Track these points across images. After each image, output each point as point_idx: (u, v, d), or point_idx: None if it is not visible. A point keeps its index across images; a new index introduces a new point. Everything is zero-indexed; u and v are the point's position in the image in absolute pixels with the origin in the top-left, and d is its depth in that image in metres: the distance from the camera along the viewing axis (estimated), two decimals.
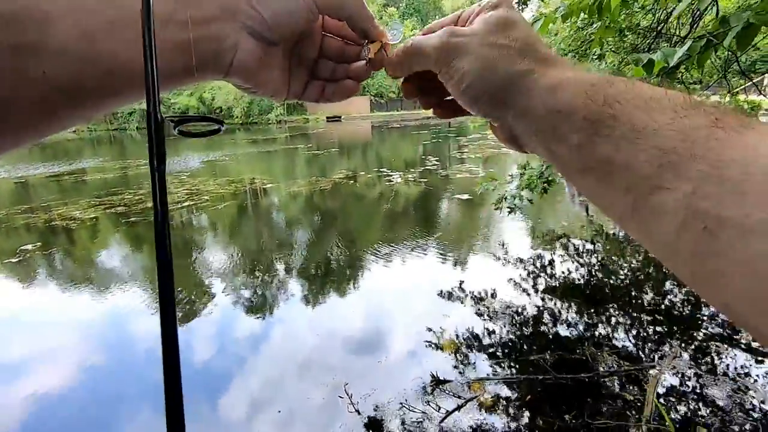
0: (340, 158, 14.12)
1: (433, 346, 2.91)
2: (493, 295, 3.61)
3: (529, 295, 3.62)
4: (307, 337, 3.23)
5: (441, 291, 3.74)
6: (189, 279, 4.44)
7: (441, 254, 4.74)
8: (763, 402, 2.20)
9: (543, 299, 3.54)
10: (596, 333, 2.98)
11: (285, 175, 11.34)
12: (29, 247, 5.50)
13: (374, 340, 3.10)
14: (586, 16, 1.54)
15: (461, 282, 3.91)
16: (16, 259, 5.10)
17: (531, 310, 3.35)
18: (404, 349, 2.95)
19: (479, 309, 3.40)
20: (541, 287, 3.77)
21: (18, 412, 2.53)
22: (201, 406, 2.53)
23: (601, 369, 2.54)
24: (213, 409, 2.49)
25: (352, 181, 9.22)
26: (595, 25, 1.82)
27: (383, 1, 49.16)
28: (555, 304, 3.46)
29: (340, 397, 2.41)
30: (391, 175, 9.52)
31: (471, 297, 3.61)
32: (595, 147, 0.26)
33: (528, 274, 4.05)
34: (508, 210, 3.53)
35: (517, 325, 3.15)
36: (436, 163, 11.17)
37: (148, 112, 0.27)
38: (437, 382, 2.50)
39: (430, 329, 3.11)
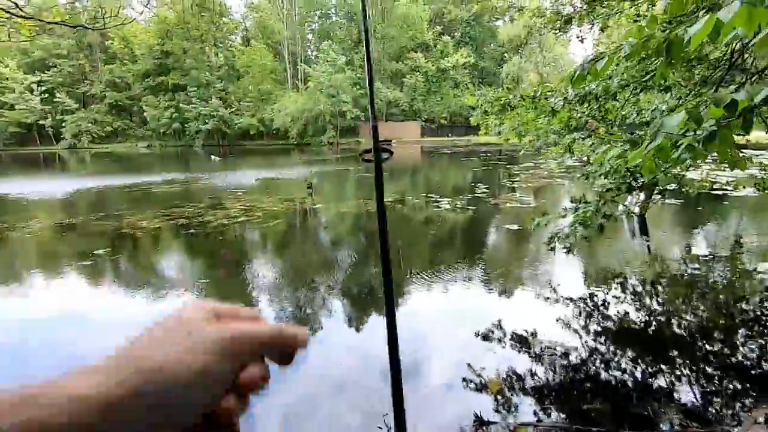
0: (389, 182, 14.30)
1: (474, 382, 2.80)
2: (540, 334, 3.43)
3: (579, 336, 3.41)
4: (345, 358, 3.22)
5: (485, 324, 3.61)
6: (236, 291, 4.61)
7: (487, 285, 4.60)
8: None
9: (596, 342, 3.31)
10: (656, 384, 2.73)
11: (334, 196, 11.63)
12: (101, 251, 5.98)
13: (414, 369, 3.03)
14: (652, 52, 1.49)
15: (507, 316, 3.76)
16: (89, 263, 5.56)
17: (582, 353, 3.14)
18: (445, 381, 2.86)
19: (525, 347, 3.24)
20: (593, 329, 3.54)
21: None
22: None
23: (665, 427, 2.31)
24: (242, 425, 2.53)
25: (399, 205, 9.27)
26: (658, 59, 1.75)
27: (438, 29, 50.13)
28: (609, 348, 3.23)
29: (379, 427, 2.36)
30: (439, 201, 9.48)
31: (516, 333, 3.45)
32: None
33: (579, 314, 3.82)
34: (565, 250, 3.37)
35: (566, 368, 2.96)
36: (486, 190, 10.99)
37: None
38: (480, 423, 2.38)
39: (471, 364, 2.99)
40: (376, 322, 3.82)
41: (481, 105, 3.79)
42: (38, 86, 43.11)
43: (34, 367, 3.20)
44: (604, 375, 2.87)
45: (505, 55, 49.89)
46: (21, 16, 2.70)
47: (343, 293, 4.49)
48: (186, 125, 44.41)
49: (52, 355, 3.37)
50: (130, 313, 4.18)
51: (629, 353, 3.13)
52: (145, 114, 45.10)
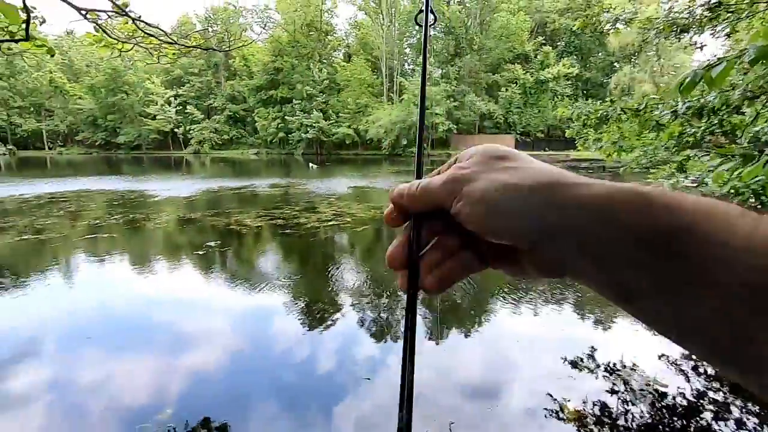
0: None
1: (554, 411, 2.63)
2: (639, 369, 3.10)
3: (687, 377, 3.01)
4: (422, 369, 3.24)
5: (575, 352, 3.37)
6: (324, 290, 4.89)
7: (579, 311, 4.28)
8: None
9: (707, 386, 2.90)
10: None
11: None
12: (212, 244, 6.78)
13: (490, 388, 2.95)
14: None
15: (601, 345, 3.47)
16: (202, 252, 6.34)
17: (687, 397, 2.77)
18: (522, 407, 2.73)
19: (616, 381, 2.95)
20: (704, 370, 3.09)
21: (178, 379, 3.11)
22: (308, 415, 2.73)
23: None
24: (319, 422, 2.67)
25: None
26: None
27: (540, 39, 48.08)
28: (724, 396, 2.80)
29: None
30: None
31: (608, 365, 3.17)
32: (673, 263, 0.23)
33: (689, 353, 3.36)
34: None
35: (665, 412, 2.63)
36: None
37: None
38: None
39: (555, 394, 2.82)
40: (457, 338, 3.78)
41: (579, 117, 3.57)
42: (175, 99, 50.42)
43: (153, 340, 3.75)
44: (714, 427, 2.50)
45: (615, 64, 45.99)
46: (168, 42, 3.28)
47: (424, 305, 4.51)
48: (290, 135, 48.32)
49: (165, 331, 3.91)
50: (229, 302, 4.67)
51: (752, 407, 2.69)
52: (256, 124, 50.08)
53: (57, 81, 47.01)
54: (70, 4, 2.73)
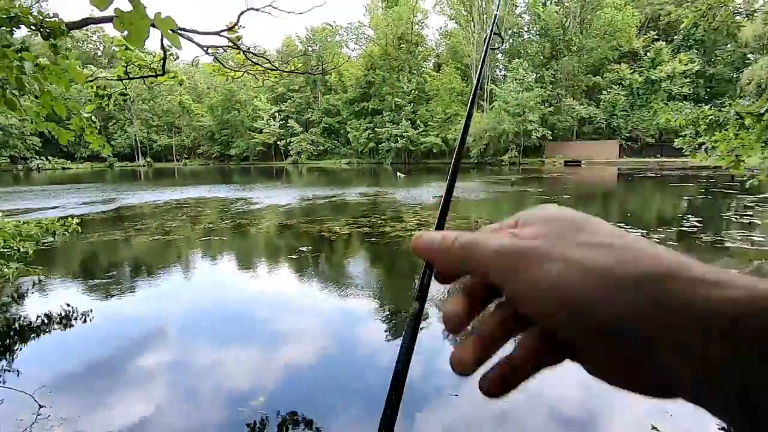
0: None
1: None
2: None
3: None
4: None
5: None
6: (406, 298, 5.00)
7: None
8: None
9: None
10: None
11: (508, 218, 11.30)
12: (304, 249, 7.32)
13: (584, 418, 2.77)
14: None
15: None
16: (295, 257, 6.88)
17: None
18: None
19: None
20: None
21: (273, 373, 3.43)
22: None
23: None
24: (403, 426, 2.75)
25: None
26: None
27: (653, 35, 43.47)
28: None
29: None
30: (630, 233, 8.22)
31: None
32: None
33: None
34: None
35: None
36: (698, 224, 8.99)
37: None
38: None
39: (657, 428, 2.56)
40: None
41: (690, 123, 3.21)
42: (278, 114, 55.38)
43: (251, 334, 4.19)
44: None
45: (749, 56, 39.63)
46: (269, 69, 3.74)
47: None
48: (379, 145, 50.03)
49: (262, 326, 4.34)
50: (319, 304, 5.01)
51: None
52: (348, 135, 52.75)
53: (185, 102, 54.62)
54: (196, 43, 3.25)
